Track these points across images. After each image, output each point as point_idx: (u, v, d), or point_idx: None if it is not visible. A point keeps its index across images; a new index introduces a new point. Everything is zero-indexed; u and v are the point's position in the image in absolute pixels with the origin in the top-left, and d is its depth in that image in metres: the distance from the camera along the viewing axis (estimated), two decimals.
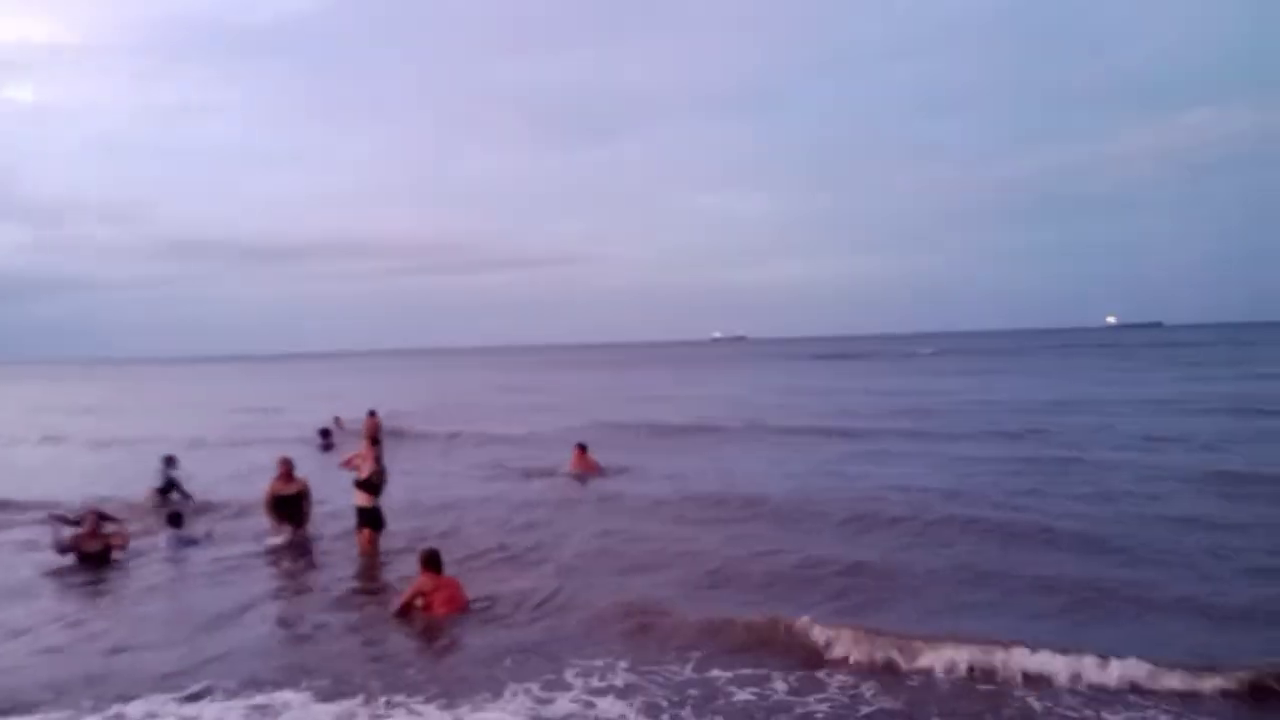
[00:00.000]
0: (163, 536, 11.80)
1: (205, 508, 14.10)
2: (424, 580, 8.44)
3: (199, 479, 15.60)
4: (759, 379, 52.78)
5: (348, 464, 10.74)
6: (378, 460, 10.52)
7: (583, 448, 17.08)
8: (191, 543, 11.73)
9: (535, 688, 6.45)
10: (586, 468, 16.69)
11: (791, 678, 6.56)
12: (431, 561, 8.54)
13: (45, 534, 11.48)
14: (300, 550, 11.14)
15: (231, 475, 17.39)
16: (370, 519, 10.63)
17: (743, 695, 6.29)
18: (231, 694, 6.52)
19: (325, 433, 22.67)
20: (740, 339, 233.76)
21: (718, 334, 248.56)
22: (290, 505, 11.56)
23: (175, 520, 12.19)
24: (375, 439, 10.79)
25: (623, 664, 6.90)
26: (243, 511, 13.52)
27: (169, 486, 14.77)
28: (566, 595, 8.81)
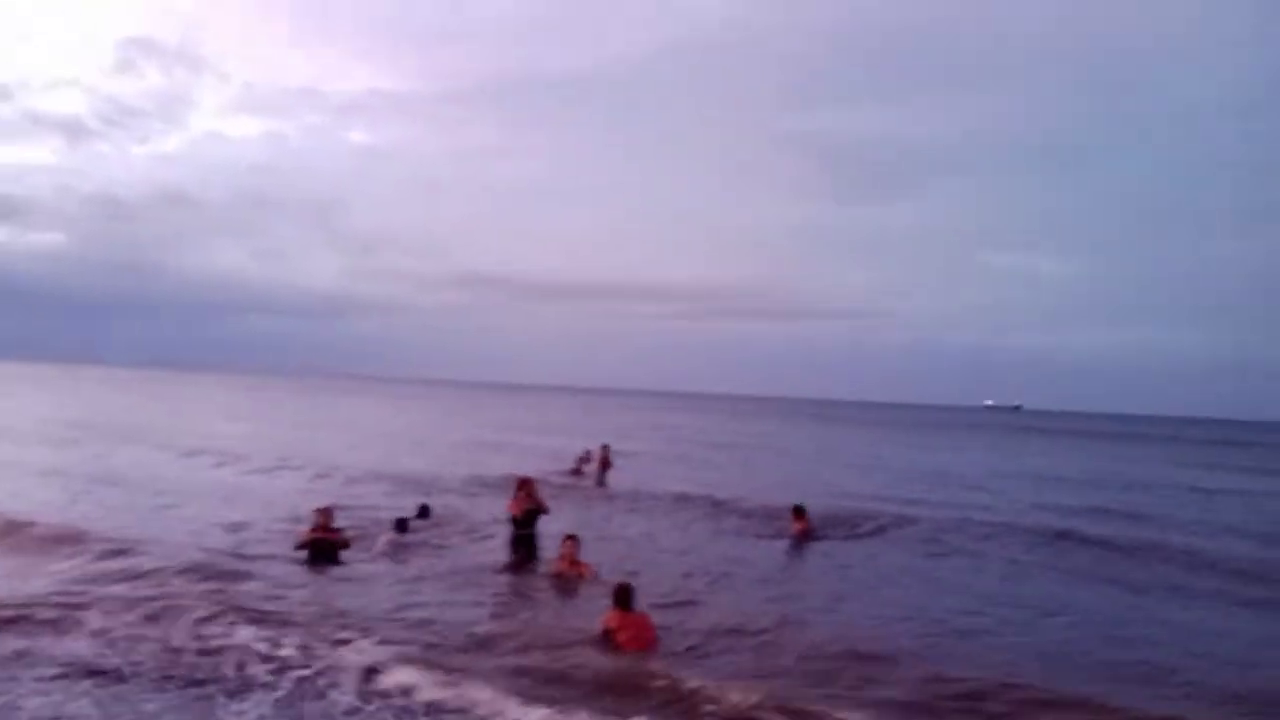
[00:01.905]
0: (384, 539, 13.53)
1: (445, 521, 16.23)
2: (612, 616, 8.74)
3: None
4: (1018, 458, 47.33)
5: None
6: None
7: (800, 511, 17.13)
8: (407, 545, 13.62)
9: None
10: (804, 533, 16.74)
11: None
12: (622, 598, 8.79)
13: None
14: (517, 571, 12.67)
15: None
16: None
17: None
18: (427, 666, 8.00)
19: (579, 459, 25.17)
20: (1016, 408, 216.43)
21: (990, 401, 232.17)
22: (527, 522, 13.21)
23: (401, 525, 14.07)
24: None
25: None
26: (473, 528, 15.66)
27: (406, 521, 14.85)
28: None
